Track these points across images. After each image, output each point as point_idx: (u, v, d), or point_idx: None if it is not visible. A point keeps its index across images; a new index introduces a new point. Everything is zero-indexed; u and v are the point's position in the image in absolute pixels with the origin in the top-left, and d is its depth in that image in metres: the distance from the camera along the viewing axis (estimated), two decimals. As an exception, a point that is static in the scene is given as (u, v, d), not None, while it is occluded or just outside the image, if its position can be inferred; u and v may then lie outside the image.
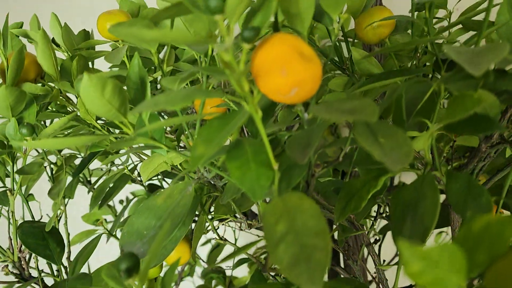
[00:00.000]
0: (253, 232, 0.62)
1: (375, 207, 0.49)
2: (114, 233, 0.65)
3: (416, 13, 0.42)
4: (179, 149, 0.49)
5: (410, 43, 0.38)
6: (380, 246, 0.60)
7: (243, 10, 0.25)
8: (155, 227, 0.38)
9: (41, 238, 0.51)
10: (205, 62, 0.32)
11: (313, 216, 0.27)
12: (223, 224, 0.51)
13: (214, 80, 0.42)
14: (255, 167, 0.31)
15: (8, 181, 0.52)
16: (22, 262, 0.52)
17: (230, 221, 0.51)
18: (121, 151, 0.60)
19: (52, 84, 0.50)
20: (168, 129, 0.56)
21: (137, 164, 0.62)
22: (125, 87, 0.35)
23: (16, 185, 0.50)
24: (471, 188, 0.31)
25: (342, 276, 0.57)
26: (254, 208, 0.71)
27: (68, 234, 0.58)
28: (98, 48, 0.57)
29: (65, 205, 0.58)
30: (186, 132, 0.41)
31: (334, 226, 0.52)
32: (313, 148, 0.29)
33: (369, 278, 0.71)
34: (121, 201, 0.88)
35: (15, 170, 0.51)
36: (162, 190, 0.39)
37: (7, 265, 0.51)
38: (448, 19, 0.54)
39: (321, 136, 0.30)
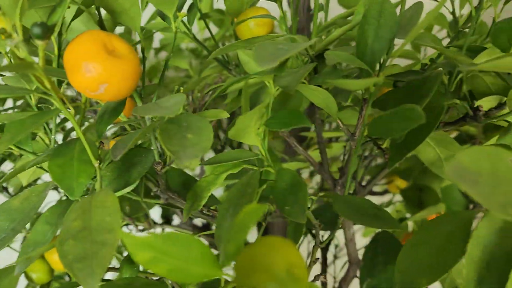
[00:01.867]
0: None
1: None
2: None
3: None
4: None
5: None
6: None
7: (20, 9, 0.25)
8: (7, 230, 0.37)
9: None
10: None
11: (110, 213, 0.27)
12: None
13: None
14: (77, 165, 0.31)
15: None
16: None
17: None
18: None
19: None
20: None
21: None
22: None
23: None
24: (293, 184, 0.31)
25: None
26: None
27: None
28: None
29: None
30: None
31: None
32: (126, 148, 0.29)
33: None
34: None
35: None
36: (21, 193, 0.39)
37: None
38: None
39: (140, 137, 0.30)
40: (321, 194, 0.33)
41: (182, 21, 0.48)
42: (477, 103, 0.40)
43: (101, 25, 0.32)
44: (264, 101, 0.33)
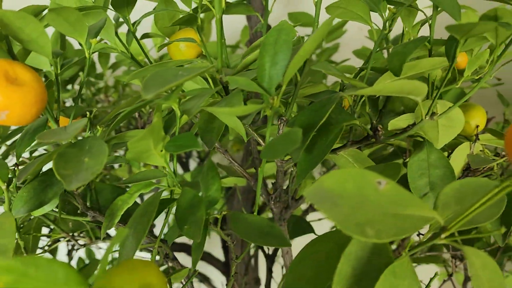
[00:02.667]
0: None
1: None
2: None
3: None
4: None
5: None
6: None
7: None
8: None
9: None
10: None
11: (6, 236, 0.28)
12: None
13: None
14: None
15: None
16: None
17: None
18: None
19: None
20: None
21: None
22: None
23: None
24: (193, 204, 0.32)
25: None
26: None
27: None
28: None
29: None
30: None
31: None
32: (28, 172, 0.30)
33: None
34: None
35: None
36: None
37: None
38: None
39: (45, 161, 0.31)
40: (224, 212, 0.35)
41: (120, 40, 0.50)
42: (393, 122, 0.42)
43: (10, 53, 0.34)
44: (157, 123, 0.34)
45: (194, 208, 0.32)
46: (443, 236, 0.27)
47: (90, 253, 0.92)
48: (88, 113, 0.34)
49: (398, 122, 0.42)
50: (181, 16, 0.42)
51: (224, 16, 0.55)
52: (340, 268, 0.27)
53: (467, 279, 0.64)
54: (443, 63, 0.37)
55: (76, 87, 0.76)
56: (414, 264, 0.76)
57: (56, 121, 0.36)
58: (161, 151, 0.33)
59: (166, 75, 0.30)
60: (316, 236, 0.30)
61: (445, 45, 0.34)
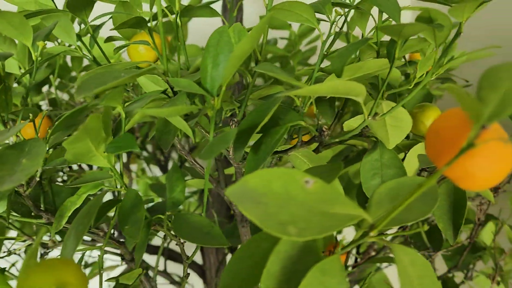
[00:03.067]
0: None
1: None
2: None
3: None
4: None
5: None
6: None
7: None
8: None
9: None
10: None
11: None
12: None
13: None
14: None
15: None
16: None
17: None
18: None
19: None
20: None
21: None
22: None
23: None
24: (135, 205, 0.33)
25: None
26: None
27: None
28: None
29: None
30: None
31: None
32: None
33: None
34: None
35: None
36: None
37: None
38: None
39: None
40: (170, 213, 0.35)
41: (83, 43, 0.50)
42: (347, 122, 0.42)
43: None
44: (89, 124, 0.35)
45: (135, 208, 0.32)
46: (371, 234, 0.28)
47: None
48: (31, 115, 0.34)
49: (352, 123, 0.43)
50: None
51: (204, 19, 0.56)
52: (269, 267, 0.27)
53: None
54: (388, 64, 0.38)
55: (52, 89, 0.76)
56: (385, 265, 0.76)
57: (5, 123, 0.36)
58: (105, 152, 0.33)
59: (104, 76, 0.30)
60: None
61: (387, 46, 0.35)
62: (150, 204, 0.58)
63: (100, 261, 0.36)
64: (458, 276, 0.75)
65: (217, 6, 0.63)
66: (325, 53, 0.40)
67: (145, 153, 0.97)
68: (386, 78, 0.35)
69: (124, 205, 0.33)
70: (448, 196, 0.44)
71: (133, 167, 1.03)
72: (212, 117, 0.33)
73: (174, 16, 0.51)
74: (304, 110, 0.38)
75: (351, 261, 0.71)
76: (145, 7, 0.53)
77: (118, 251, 0.45)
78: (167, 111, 0.29)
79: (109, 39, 0.55)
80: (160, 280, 0.57)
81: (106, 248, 0.46)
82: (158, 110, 0.28)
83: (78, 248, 0.40)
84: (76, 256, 0.62)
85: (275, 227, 0.24)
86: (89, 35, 0.49)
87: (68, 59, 0.80)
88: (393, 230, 0.59)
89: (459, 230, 0.41)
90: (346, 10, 0.40)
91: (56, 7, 0.48)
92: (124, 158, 1.01)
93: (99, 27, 0.49)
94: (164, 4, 0.47)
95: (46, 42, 0.38)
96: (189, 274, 0.40)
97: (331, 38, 0.40)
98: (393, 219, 0.29)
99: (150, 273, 0.51)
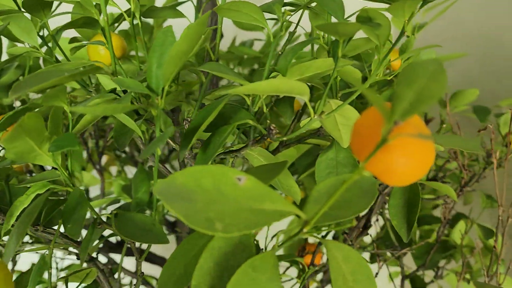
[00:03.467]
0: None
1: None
2: None
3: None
4: None
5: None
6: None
7: None
8: None
9: None
10: None
11: None
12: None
13: None
14: None
15: None
16: None
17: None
18: None
19: None
20: None
21: None
22: None
23: None
24: (78, 203, 0.33)
25: None
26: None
27: None
28: None
29: None
30: None
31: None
32: None
33: None
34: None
35: None
36: None
37: None
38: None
39: None
40: (114, 211, 0.35)
41: (46, 44, 0.50)
42: (303, 121, 0.43)
43: None
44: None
45: (78, 207, 0.32)
46: (304, 230, 0.28)
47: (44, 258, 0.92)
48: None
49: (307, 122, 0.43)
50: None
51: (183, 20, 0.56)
52: (201, 263, 0.27)
53: (404, 277, 0.65)
54: (340, 63, 0.38)
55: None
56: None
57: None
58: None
59: (44, 75, 0.30)
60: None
61: (332, 46, 0.35)
62: (117, 205, 0.58)
63: (49, 261, 0.36)
64: (430, 275, 0.76)
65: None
66: (281, 52, 0.41)
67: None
68: (331, 77, 0.35)
69: (68, 204, 0.33)
70: (403, 194, 0.44)
71: (113, 169, 1.03)
72: (157, 116, 0.34)
73: (144, 17, 0.52)
74: (255, 109, 0.38)
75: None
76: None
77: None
78: (101, 108, 0.29)
79: (73, 40, 0.55)
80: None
81: (68, 249, 0.46)
82: (90, 108, 0.28)
83: (30, 248, 0.40)
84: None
85: (201, 223, 0.24)
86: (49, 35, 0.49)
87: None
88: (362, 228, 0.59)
89: (413, 228, 0.42)
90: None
91: (19, 7, 0.48)
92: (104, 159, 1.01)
93: (62, 28, 0.49)
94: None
95: None
96: (143, 273, 0.40)
97: (286, 37, 0.41)
98: (328, 215, 0.29)
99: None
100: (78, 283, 0.38)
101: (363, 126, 0.24)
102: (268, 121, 0.37)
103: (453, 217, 0.76)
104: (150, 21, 0.81)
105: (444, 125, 0.50)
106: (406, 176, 0.23)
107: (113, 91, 0.38)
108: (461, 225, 0.72)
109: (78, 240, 0.43)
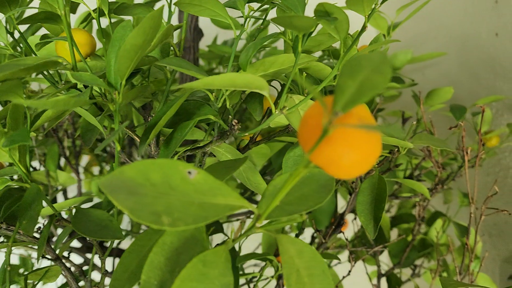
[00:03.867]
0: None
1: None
2: None
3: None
4: None
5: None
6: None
7: None
8: None
9: None
10: None
11: None
12: None
13: None
14: None
15: None
16: None
17: None
18: None
19: None
20: None
21: None
22: None
23: None
24: (34, 200, 0.32)
25: None
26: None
27: None
28: None
29: None
30: None
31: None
32: None
33: None
34: None
35: None
36: None
37: None
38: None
39: None
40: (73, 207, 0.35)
41: (16, 40, 0.49)
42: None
43: None
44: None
45: (34, 204, 0.32)
46: (257, 224, 0.28)
47: (24, 261, 0.90)
48: None
49: (277, 119, 0.43)
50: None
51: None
52: (152, 258, 0.27)
53: (380, 275, 0.65)
54: (303, 59, 0.38)
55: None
56: (335, 262, 0.76)
57: None
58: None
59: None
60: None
61: (293, 41, 0.35)
62: (91, 204, 0.57)
63: (7, 259, 0.36)
64: (408, 273, 0.76)
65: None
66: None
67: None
68: (291, 73, 0.35)
69: (25, 201, 0.33)
70: (371, 191, 0.44)
71: (95, 168, 1.02)
72: (115, 111, 0.33)
73: (114, 16, 0.51)
74: (219, 105, 0.38)
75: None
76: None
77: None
78: (55, 102, 0.28)
79: (44, 37, 0.55)
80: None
81: (33, 247, 0.45)
82: (45, 102, 0.28)
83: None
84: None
85: (147, 217, 0.24)
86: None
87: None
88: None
89: (379, 224, 0.42)
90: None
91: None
92: (85, 159, 1.00)
93: (22, 22, 0.49)
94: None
95: None
96: (107, 271, 0.39)
97: (253, 34, 0.40)
98: (281, 209, 0.29)
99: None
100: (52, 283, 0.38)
101: (310, 117, 0.24)
102: (230, 116, 0.37)
103: (432, 215, 0.76)
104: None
105: (414, 123, 0.50)
106: (350, 168, 0.23)
107: (74, 86, 0.37)
108: (438, 224, 0.72)
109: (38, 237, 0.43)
